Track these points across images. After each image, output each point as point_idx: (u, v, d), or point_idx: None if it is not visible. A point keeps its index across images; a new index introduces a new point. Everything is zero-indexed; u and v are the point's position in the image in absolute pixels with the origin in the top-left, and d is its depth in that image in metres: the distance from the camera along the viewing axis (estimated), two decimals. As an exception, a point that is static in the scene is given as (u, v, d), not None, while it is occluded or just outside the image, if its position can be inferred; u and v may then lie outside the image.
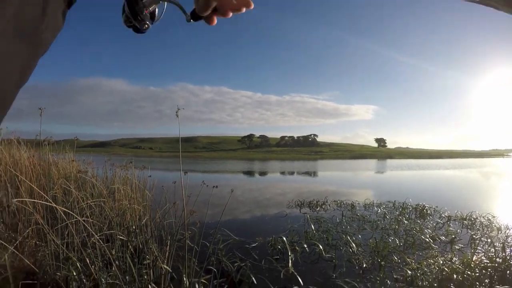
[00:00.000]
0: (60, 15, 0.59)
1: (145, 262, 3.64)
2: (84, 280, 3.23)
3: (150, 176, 6.76)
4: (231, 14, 0.69)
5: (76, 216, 3.24)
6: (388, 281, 4.06)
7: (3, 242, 3.07)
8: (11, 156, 5.89)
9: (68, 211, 3.21)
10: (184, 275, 3.18)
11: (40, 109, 4.46)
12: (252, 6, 0.68)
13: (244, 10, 0.69)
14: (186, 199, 3.63)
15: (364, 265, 4.55)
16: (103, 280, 3.13)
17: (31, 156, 5.79)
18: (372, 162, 60.77)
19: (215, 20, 0.71)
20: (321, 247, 5.05)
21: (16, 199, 4.45)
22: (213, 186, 4.11)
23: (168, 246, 3.69)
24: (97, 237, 3.43)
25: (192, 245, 3.78)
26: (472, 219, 7.59)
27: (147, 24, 0.73)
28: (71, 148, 7.79)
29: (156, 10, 0.76)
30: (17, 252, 3.21)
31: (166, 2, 0.75)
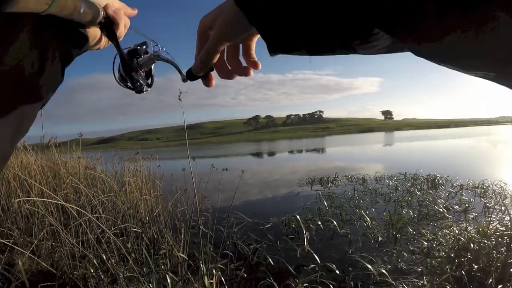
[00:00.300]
0: (59, 71, 0.61)
1: (161, 252, 3.64)
2: (102, 276, 3.24)
3: (159, 166, 6.74)
4: (236, 77, 0.66)
5: (86, 214, 3.23)
6: (405, 253, 4.04)
7: (18, 248, 3.09)
8: (18, 162, 5.91)
9: (80, 209, 3.20)
10: (201, 262, 3.17)
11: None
12: (259, 68, 0.65)
13: (250, 73, 0.65)
14: (197, 185, 3.61)
15: (380, 239, 4.53)
16: (120, 274, 3.13)
17: (38, 159, 5.80)
18: (380, 135, 60.68)
19: (213, 82, 0.68)
20: (335, 223, 5.01)
21: (27, 204, 4.48)
22: (223, 169, 4.09)
23: (182, 234, 3.69)
24: (111, 232, 3.43)
25: (206, 231, 3.79)
26: (485, 187, 7.49)
27: (143, 85, 0.71)
28: (78, 147, 7.79)
29: (153, 69, 0.75)
30: (33, 256, 3.23)
31: (161, 61, 0.72)
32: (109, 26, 0.67)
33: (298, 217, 5.20)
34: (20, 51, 0.53)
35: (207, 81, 0.67)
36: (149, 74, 0.74)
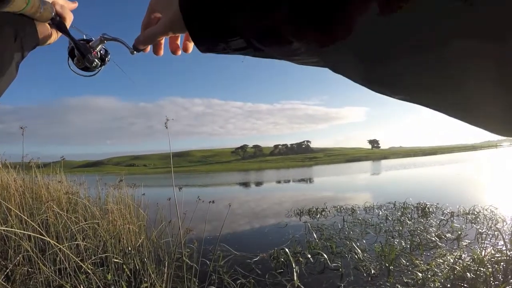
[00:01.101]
0: (14, 68, 0.66)
1: (142, 286, 3.44)
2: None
3: (143, 194, 6.57)
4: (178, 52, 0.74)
5: (56, 245, 3.05)
6: (399, 286, 3.93)
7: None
8: (-2, 180, 5.71)
9: (52, 241, 3.03)
10: (185, 298, 2.99)
11: (21, 128, 4.31)
12: (188, 52, 0.73)
13: (179, 53, 0.73)
14: (182, 216, 3.46)
15: (372, 271, 4.39)
16: (98, 309, 2.93)
17: (19, 179, 5.62)
18: (367, 164, 60.94)
19: (162, 51, 0.74)
20: (325, 256, 4.86)
21: (4, 225, 4.28)
22: (209, 202, 3.97)
23: (166, 267, 3.50)
24: (90, 262, 3.24)
25: (191, 264, 3.61)
26: (475, 212, 7.48)
27: (97, 63, 0.77)
28: (61, 169, 7.60)
29: (106, 52, 0.81)
30: (5, 284, 3.03)
31: (110, 41, 0.79)
32: (60, 21, 0.75)
33: (287, 250, 5.02)
34: None
35: (155, 50, 0.73)
36: (103, 56, 0.80)
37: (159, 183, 30.28)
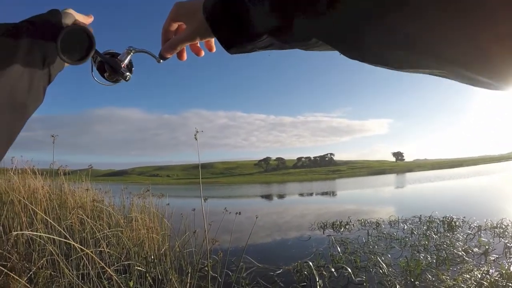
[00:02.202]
0: (41, 91, 0.68)
1: (165, 295, 3.44)
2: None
3: (168, 204, 6.59)
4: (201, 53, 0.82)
5: (82, 249, 3.07)
6: (425, 302, 3.81)
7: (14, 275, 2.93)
8: (26, 185, 5.82)
9: (77, 246, 3.05)
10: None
11: (52, 136, 4.40)
12: (213, 51, 0.81)
13: (202, 54, 0.81)
14: (207, 226, 3.45)
15: (398, 287, 4.29)
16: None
17: (46, 185, 5.72)
18: (392, 177, 60.12)
19: (185, 55, 0.80)
20: (349, 270, 4.78)
21: (29, 229, 4.35)
22: (236, 213, 3.97)
23: (189, 278, 3.49)
24: (114, 268, 3.25)
25: (214, 275, 3.60)
26: (503, 226, 7.33)
27: (129, 76, 0.81)
28: (87, 177, 7.72)
29: (131, 63, 0.84)
30: (28, 286, 3.06)
31: (136, 53, 0.83)
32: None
33: (310, 263, 4.96)
34: (16, 74, 0.61)
35: (179, 56, 0.79)
36: (130, 67, 0.83)
37: (182, 193, 30.43)
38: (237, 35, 0.60)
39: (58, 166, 5.70)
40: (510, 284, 3.74)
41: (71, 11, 0.77)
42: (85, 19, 0.82)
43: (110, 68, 0.79)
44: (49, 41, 0.67)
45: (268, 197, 27.85)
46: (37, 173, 6.00)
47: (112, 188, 8.82)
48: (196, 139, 2.77)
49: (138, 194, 7.26)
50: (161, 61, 0.78)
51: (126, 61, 0.81)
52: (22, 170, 6.15)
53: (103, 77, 0.82)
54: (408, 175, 65.53)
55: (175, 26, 0.75)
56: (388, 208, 13.29)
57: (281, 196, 28.21)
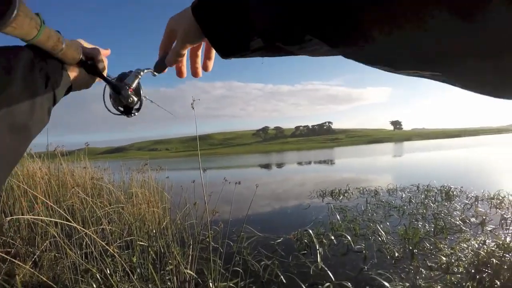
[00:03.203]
0: (46, 112, 0.65)
1: (167, 268, 3.48)
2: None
3: (167, 177, 6.62)
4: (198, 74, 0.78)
5: (82, 230, 3.10)
6: (423, 270, 3.88)
7: (17, 262, 2.96)
8: (25, 169, 5.81)
9: (77, 226, 3.08)
10: (210, 280, 3.02)
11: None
12: (208, 70, 0.77)
13: (198, 75, 0.77)
14: (207, 198, 3.47)
15: (396, 254, 4.35)
16: (124, 291, 2.99)
17: (44, 167, 5.72)
18: (390, 146, 60.41)
19: (184, 72, 0.77)
20: (349, 238, 4.85)
21: (31, 213, 4.37)
22: (236, 183, 3.98)
23: (191, 249, 3.53)
24: (115, 246, 3.29)
25: (216, 246, 3.64)
26: (500, 197, 7.35)
27: (132, 98, 0.78)
28: (85, 156, 7.71)
29: (140, 87, 0.81)
30: (32, 270, 3.10)
31: (143, 74, 0.80)
32: (93, 64, 0.74)
33: (310, 231, 5.03)
34: (14, 95, 0.58)
35: (178, 73, 0.76)
36: (137, 92, 0.79)
37: (182, 166, 30.56)
38: (232, 33, 0.57)
39: (54, 147, 5.69)
40: (506, 255, 3.79)
41: (81, 41, 0.76)
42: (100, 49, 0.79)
43: (113, 92, 0.77)
44: (50, 60, 0.66)
45: (267, 166, 27.97)
46: (34, 156, 5.98)
47: (111, 165, 8.85)
48: (193, 108, 2.75)
49: (137, 169, 7.28)
50: (156, 74, 0.77)
51: (134, 84, 0.78)
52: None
53: (113, 105, 0.81)
54: (406, 144, 65.89)
55: (171, 41, 0.72)
56: (386, 176, 13.41)
57: (279, 165, 28.32)
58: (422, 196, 8.27)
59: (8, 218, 2.88)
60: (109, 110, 0.81)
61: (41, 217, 3.79)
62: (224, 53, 0.61)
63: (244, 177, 17.11)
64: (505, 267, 3.59)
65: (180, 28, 0.66)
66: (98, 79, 0.81)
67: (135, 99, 0.78)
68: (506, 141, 45.44)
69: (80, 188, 5.08)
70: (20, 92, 0.59)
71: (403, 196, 8.49)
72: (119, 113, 0.81)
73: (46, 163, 6.12)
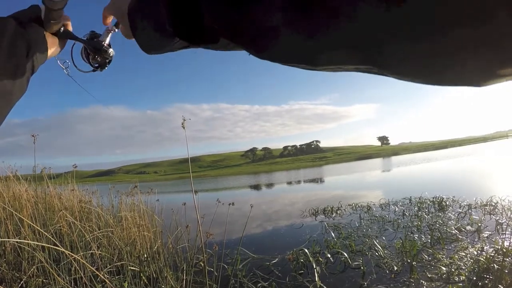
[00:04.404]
0: (25, 81, 0.69)
1: (161, 294, 3.36)
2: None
3: (158, 200, 6.49)
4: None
5: (71, 255, 2.98)
6: (423, 282, 3.84)
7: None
8: (10, 192, 5.65)
9: (66, 252, 2.96)
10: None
11: (32, 136, 4.26)
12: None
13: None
14: (201, 220, 3.38)
15: (395, 268, 4.28)
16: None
17: (31, 190, 5.56)
18: (378, 161, 60.61)
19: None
20: (346, 255, 4.77)
21: (17, 237, 4.22)
22: (229, 204, 3.93)
23: (184, 273, 3.41)
24: (106, 271, 3.17)
25: (210, 269, 3.53)
26: (493, 204, 7.41)
27: (112, 51, 0.84)
28: (73, 178, 7.56)
29: (109, 44, 0.85)
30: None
31: (115, 31, 0.85)
32: (67, 30, 0.79)
33: (306, 250, 4.93)
34: (0, 64, 0.61)
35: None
36: (109, 46, 0.84)
37: (171, 189, 30.38)
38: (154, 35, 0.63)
39: (41, 169, 5.56)
40: (506, 259, 3.74)
41: None
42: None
43: (93, 49, 0.82)
44: (31, 34, 0.69)
45: (257, 187, 27.85)
46: (21, 178, 5.83)
47: (99, 188, 8.68)
48: (184, 128, 2.70)
49: (126, 192, 7.15)
50: (116, 30, 0.84)
51: (107, 40, 0.83)
52: (5, 177, 5.96)
53: (89, 63, 0.85)
54: (394, 158, 66.26)
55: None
56: (377, 191, 13.38)
57: (270, 186, 28.23)
58: (416, 208, 8.27)
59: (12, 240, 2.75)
60: (79, 69, 0.86)
61: (27, 241, 3.66)
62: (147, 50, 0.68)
63: (235, 198, 16.98)
64: (506, 271, 3.57)
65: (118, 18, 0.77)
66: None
67: (113, 51, 0.84)
68: (492, 149, 46.05)
69: (68, 212, 4.95)
70: (6, 61, 0.63)
71: (396, 210, 8.46)
72: (92, 69, 0.86)
73: (32, 186, 5.97)
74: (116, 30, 0.83)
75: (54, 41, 0.77)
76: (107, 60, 0.85)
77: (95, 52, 0.82)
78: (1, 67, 0.61)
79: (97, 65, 0.85)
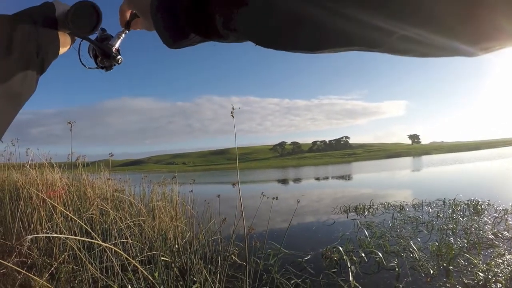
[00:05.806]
0: (35, 81, 0.69)
1: (194, 286, 3.33)
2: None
3: (191, 191, 6.48)
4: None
5: (102, 244, 2.98)
6: (459, 287, 3.66)
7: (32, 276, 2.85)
8: (44, 179, 5.73)
9: (97, 240, 2.96)
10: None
11: (69, 123, 4.31)
12: None
13: None
14: (241, 213, 3.36)
15: (431, 272, 4.15)
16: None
17: (64, 177, 5.64)
18: (409, 160, 59.61)
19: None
20: (380, 255, 4.65)
21: (49, 223, 4.28)
22: (273, 198, 3.94)
23: (219, 266, 3.39)
24: (137, 260, 3.17)
25: (243, 263, 3.50)
26: (530, 210, 7.12)
27: (121, 59, 0.85)
28: (106, 167, 7.64)
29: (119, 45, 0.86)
30: (47, 284, 2.98)
31: (124, 36, 0.86)
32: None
33: (340, 248, 4.84)
34: (12, 64, 0.62)
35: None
36: (118, 51, 0.85)
37: (200, 180, 30.56)
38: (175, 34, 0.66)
39: (76, 156, 5.63)
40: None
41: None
42: None
43: (103, 53, 0.83)
44: (43, 33, 0.70)
45: (285, 181, 27.75)
46: (55, 165, 5.91)
47: (130, 177, 8.77)
48: (233, 117, 2.71)
49: (158, 182, 7.19)
50: (127, 31, 0.87)
51: (117, 45, 0.85)
52: (39, 164, 6.06)
53: (95, 62, 0.86)
54: (425, 158, 64.96)
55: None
56: (409, 191, 13.12)
57: (298, 181, 28.10)
58: (450, 210, 8.07)
59: (29, 237, 2.78)
60: (83, 65, 0.87)
61: (60, 235, 3.69)
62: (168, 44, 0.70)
63: (264, 192, 16.90)
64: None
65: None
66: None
67: (121, 58, 0.85)
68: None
69: (101, 200, 5.00)
70: (17, 62, 0.63)
71: (430, 211, 8.28)
72: (96, 67, 0.87)
73: (66, 173, 6.06)
74: (127, 32, 0.86)
75: (66, 40, 0.78)
76: (114, 65, 0.87)
77: (103, 56, 0.84)
78: (10, 68, 0.62)
79: (102, 66, 0.87)
